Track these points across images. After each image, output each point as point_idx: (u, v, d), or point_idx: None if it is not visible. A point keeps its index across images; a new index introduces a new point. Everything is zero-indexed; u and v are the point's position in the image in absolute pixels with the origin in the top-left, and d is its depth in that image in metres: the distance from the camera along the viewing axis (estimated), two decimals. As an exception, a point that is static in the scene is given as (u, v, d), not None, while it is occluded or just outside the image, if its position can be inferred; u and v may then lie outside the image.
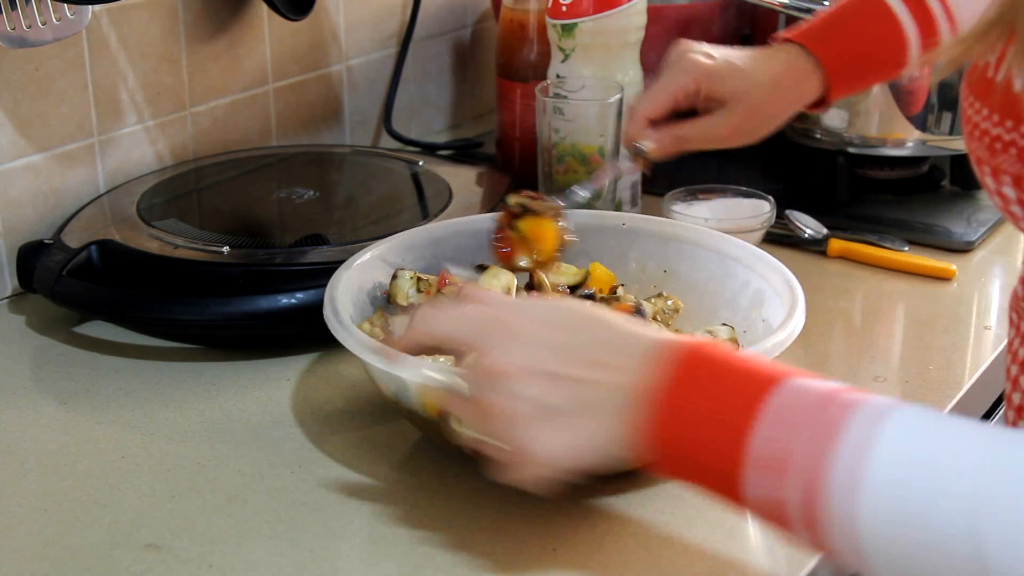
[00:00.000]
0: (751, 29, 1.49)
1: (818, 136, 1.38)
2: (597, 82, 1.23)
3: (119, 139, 1.27)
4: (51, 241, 1.14)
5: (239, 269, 1.08)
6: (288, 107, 1.43)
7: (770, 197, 1.23)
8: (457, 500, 0.88)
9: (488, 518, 0.86)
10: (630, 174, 1.12)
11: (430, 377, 0.78)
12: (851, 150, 1.36)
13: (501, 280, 0.95)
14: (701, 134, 1.00)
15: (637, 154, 1.01)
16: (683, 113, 1.02)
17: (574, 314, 0.73)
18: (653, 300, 1.01)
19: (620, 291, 1.02)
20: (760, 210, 1.22)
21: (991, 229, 1.29)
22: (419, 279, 1.00)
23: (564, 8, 1.23)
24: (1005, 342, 0.88)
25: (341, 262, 1.06)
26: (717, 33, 1.50)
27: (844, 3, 1.03)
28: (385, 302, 1.01)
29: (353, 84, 1.50)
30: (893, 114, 1.34)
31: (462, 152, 1.48)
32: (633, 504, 0.87)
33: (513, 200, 0.98)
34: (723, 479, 0.65)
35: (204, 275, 1.08)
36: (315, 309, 1.05)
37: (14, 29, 1.09)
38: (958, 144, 1.33)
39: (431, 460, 0.93)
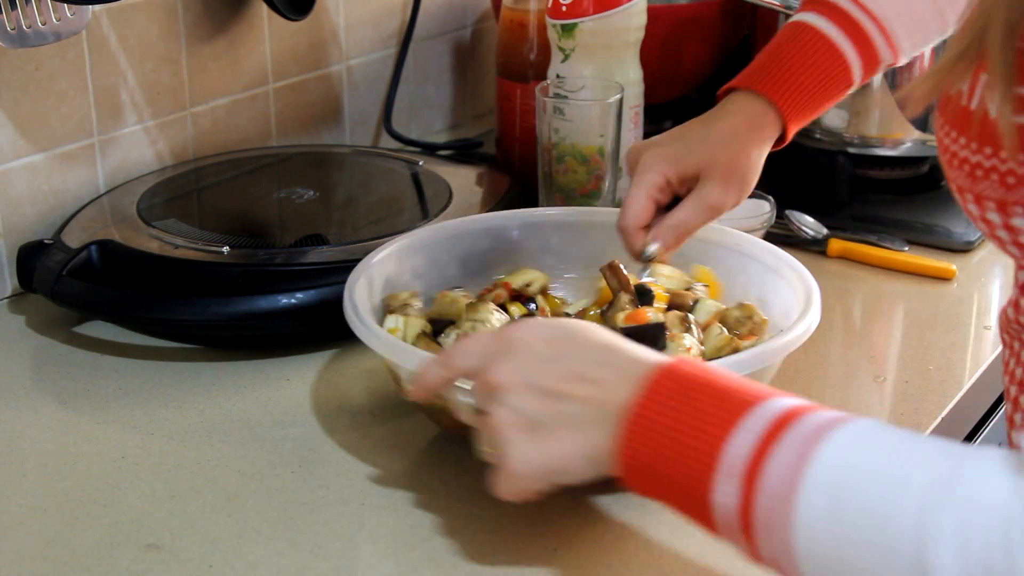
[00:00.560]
0: (751, 29, 1.49)
1: (818, 136, 1.38)
2: (597, 82, 1.23)
3: (119, 139, 1.27)
4: (51, 241, 1.14)
5: (239, 269, 1.08)
6: (288, 107, 1.43)
7: (770, 197, 1.23)
8: (457, 500, 0.88)
9: (488, 518, 0.86)
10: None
11: (458, 402, 0.81)
12: (851, 150, 1.36)
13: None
14: (694, 214, 1.01)
15: (649, 261, 1.02)
16: (671, 205, 1.03)
17: (571, 331, 0.76)
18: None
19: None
20: (760, 210, 1.22)
21: (991, 229, 1.29)
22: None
23: (564, 8, 1.23)
24: (1000, 348, 0.88)
25: (341, 262, 1.06)
26: (717, 33, 1.50)
27: (779, 39, 1.04)
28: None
29: (353, 84, 1.50)
30: (893, 114, 1.34)
31: (462, 152, 1.48)
32: (633, 504, 0.87)
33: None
34: (691, 492, 0.67)
35: (204, 275, 1.08)
36: (315, 309, 1.05)
37: (14, 29, 1.09)
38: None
39: (431, 460, 0.93)
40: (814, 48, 1.02)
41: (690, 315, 0.97)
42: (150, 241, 1.13)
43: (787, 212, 1.27)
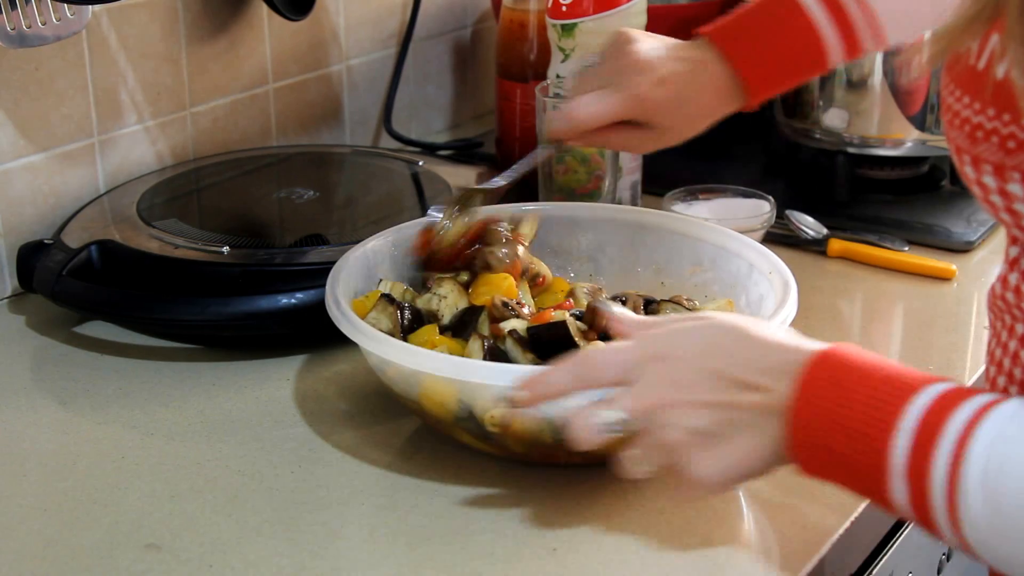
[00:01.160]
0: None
1: (818, 136, 1.38)
2: (597, 82, 1.23)
3: (119, 139, 1.27)
4: (51, 241, 1.14)
5: (239, 269, 1.08)
6: (288, 107, 1.43)
7: (770, 197, 1.24)
8: (457, 500, 0.88)
9: (488, 518, 0.86)
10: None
11: (603, 421, 0.77)
12: (851, 150, 1.36)
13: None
14: (636, 139, 1.02)
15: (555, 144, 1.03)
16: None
17: (723, 335, 0.75)
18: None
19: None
20: (760, 210, 1.22)
21: (991, 229, 1.29)
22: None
23: (564, 8, 1.23)
24: None
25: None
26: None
27: (759, 4, 1.03)
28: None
29: (353, 84, 1.50)
30: (893, 114, 1.34)
31: (462, 152, 1.48)
32: (633, 504, 0.87)
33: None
34: (870, 485, 0.69)
35: (204, 275, 1.08)
36: (315, 309, 1.05)
37: (14, 29, 1.09)
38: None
39: (432, 460, 0.93)
40: (794, 27, 1.00)
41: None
42: (150, 241, 1.13)
43: (787, 212, 1.27)
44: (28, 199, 1.19)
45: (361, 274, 1.02)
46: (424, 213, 1.24)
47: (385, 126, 1.52)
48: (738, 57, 1.01)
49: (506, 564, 0.82)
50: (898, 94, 1.32)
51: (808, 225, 1.27)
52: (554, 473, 0.89)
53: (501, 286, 0.98)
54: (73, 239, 1.13)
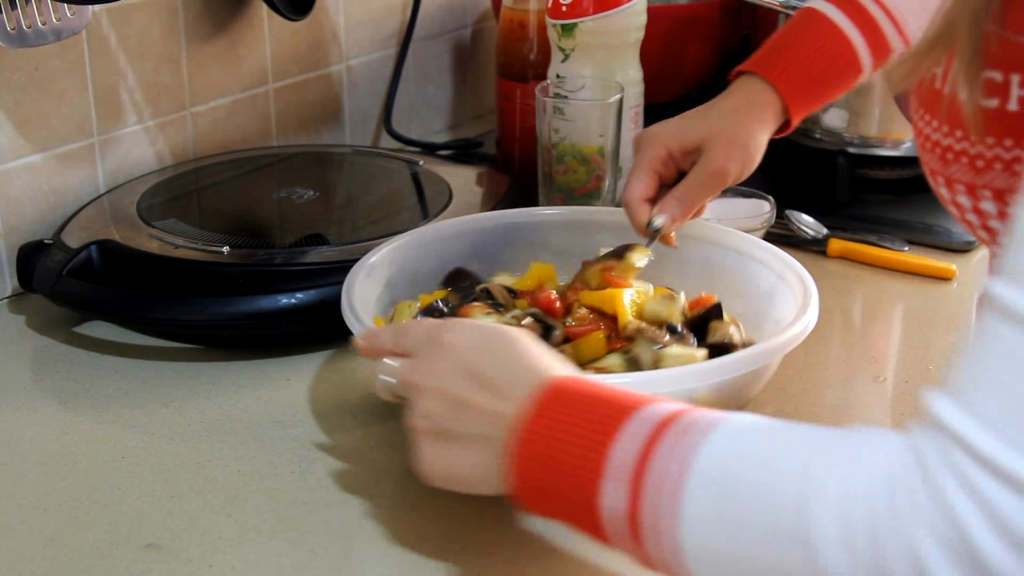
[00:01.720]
0: (751, 29, 1.50)
1: (818, 136, 1.38)
2: (597, 82, 1.23)
3: (119, 139, 1.27)
4: (51, 241, 1.14)
5: (239, 269, 1.08)
6: (288, 107, 1.43)
7: (770, 197, 1.24)
8: (457, 500, 0.88)
9: (488, 518, 0.86)
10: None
11: (384, 369, 0.82)
12: (851, 150, 1.36)
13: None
14: (698, 182, 1.01)
15: (656, 235, 1.02)
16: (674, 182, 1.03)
17: (501, 340, 0.76)
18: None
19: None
20: (760, 210, 1.22)
21: (991, 229, 1.29)
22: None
23: (564, 8, 1.23)
24: None
25: (341, 262, 1.06)
26: (717, 33, 1.50)
27: (788, 25, 1.06)
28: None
29: (353, 84, 1.50)
30: (893, 114, 1.34)
31: (462, 152, 1.48)
32: (633, 504, 0.87)
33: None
34: (580, 500, 0.68)
35: (204, 275, 1.08)
36: (315, 309, 1.05)
37: (14, 29, 1.09)
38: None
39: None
40: (820, 35, 1.03)
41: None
42: (150, 241, 1.13)
43: (787, 212, 1.27)
44: (28, 199, 1.19)
45: (373, 283, 1.02)
46: (424, 213, 1.24)
47: (385, 126, 1.52)
48: (771, 72, 1.02)
49: (506, 564, 0.82)
50: (898, 94, 1.32)
51: (808, 225, 1.27)
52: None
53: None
54: (73, 239, 1.13)
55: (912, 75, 0.74)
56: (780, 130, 1.06)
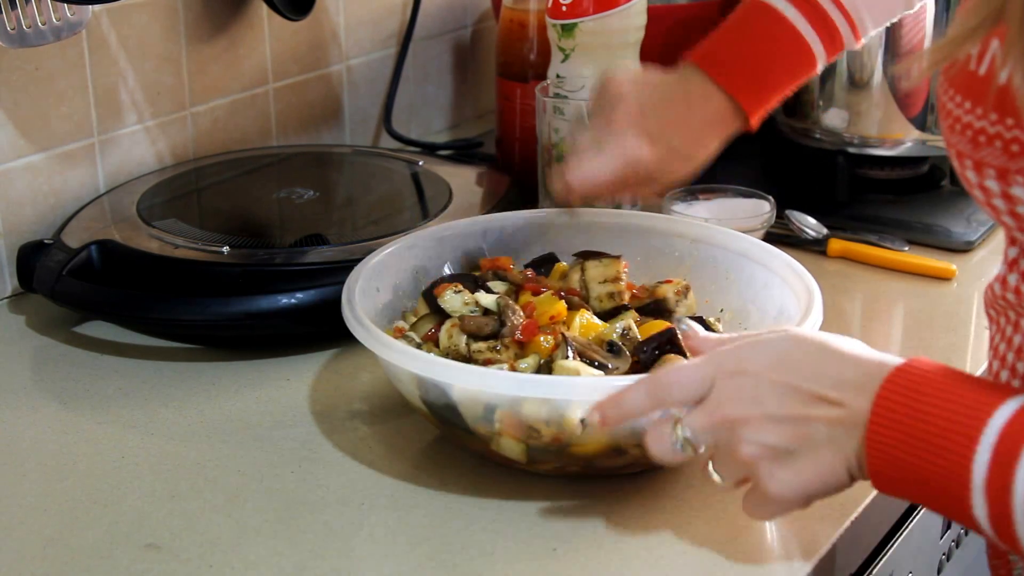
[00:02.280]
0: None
1: (818, 136, 1.38)
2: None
3: (119, 139, 1.27)
4: (51, 241, 1.14)
5: (239, 269, 1.08)
6: (288, 107, 1.43)
7: (770, 197, 1.23)
8: (457, 500, 0.88)
9: (488, 518, 0.86)
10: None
11: (677, 439, 0.78)
12: (851, 150, 1.36)
13: None
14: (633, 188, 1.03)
15: (567, 213, 1.04)
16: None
17: (794, 349, 0.75)
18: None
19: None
20: (760, 210, 1.22)
21: (991, 229, 1.29)
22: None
23: (564, 8, 1.23)
24: None
25: (341, 262, 1.06)
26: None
27: (739, 17, 1.03)
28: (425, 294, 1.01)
29: (353, 84, 1.50)
30: (893, 114, 1.34)
31: (462, 152, 1.48)
32: (633, 504, 0.87)
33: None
34: (948, 501, 0.68)
35: (204, 275, 1.08)
36: (315, 309, 1.05)
37: (14, 29, 1.09)
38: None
39: (431, 460, 0.93)
40: (778, 37, 1.00)
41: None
42: (150, 241, 1.13)
43: (787, 212, 1.27)
44: (28, 199, 1.19)
45: (373, 283, 1.01)
46: (424, 213, 1.24)
47: (385, 126, 1.52)
48: (732, 83, 1.00)
49: (506, 564, 0.82)
50: (898, 94, 1.32)
51: (808, 225, 1.27)
52: (554, 473, 0.89)
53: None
54: (73, 239, 1.13)
55: (949, 59, 0.73)
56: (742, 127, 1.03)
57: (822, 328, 1.11)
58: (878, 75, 1.32)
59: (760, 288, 1.01)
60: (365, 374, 1.04)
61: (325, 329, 1.06)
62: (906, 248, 1.25)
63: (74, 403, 1.01)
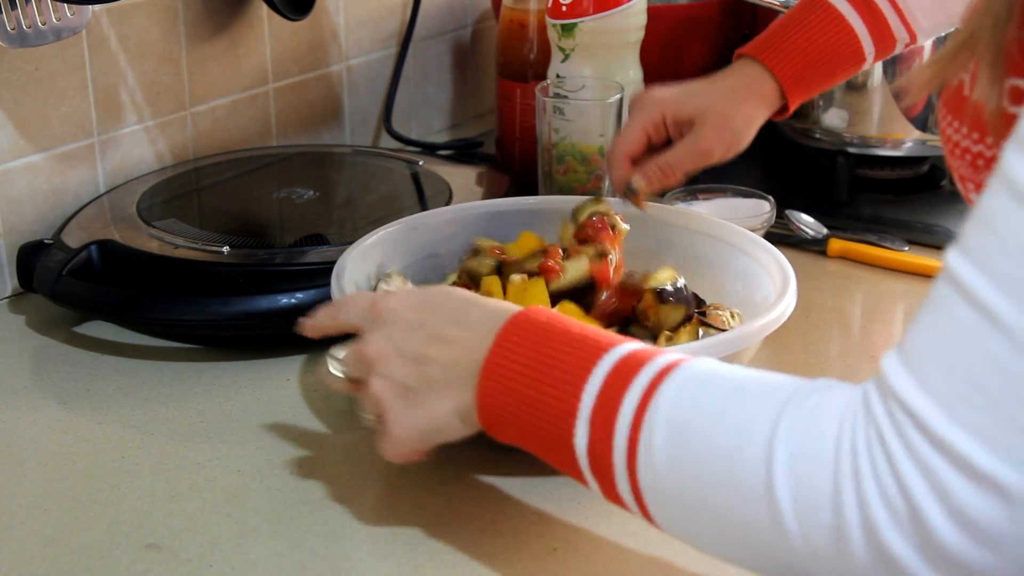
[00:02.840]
0: (751, 29, 1.49)
1: (818, 136, 1.38)
2: (597, 82, 1.23)
3: (119, 139, 1.27)
4: (51, 241, 1.14)
5: (239, 269, 1.08)
6: (288, 107, 1.43)
7: (770, 197, 1.24)
8: (457, 500, 0.88)
9: (488, 518, 0.86)
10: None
11: (330, 361, 0.84)
12: (851, 150, 1.36)
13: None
14: (683, 156, 1.04)
15: (630, 194, 1.05)
16: (661, 147, 1.06)
17: (434, 296, 0.79)
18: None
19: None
20: (760, 210, 1.22)
21: (991, 229, 1.29)
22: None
23: (564, 8, 1.23)
24: None
25: (341, 262, 1.06)
26: (717, 33, 1.50)
27: (793, 12, 1.08)
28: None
29: (353, 84, 1.50)
30: (893, 114, 1.34)
31: (462, 152, 1.48)
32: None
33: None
34: (553, 435, 0.70)
35: (204, 275, 1.08)
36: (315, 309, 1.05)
37: (14, 29, 1.09)
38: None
39: (431, 461, 0.93)
40: (824, 24, 1.05)
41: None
42: (150, 241, 1.13)
43: (787, 212, 1.27)
44: (28, 199, 1.19)
45: (364, 270, 1.02)
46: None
47: (385, 126, 1.52)
48: (778, 65, 1.04)
49: (506, 564, 0.82)
50: (899, 95, 1.33)
51: (808, 225, 1.27)
52: (554, 472, 0.89)
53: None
54: (73, 239, 1.13)
55: (936, 81, 0.73)
56: (778, 113, 1.08)
57: (822, 328, 1.12)
58: (878, 75, 1.32)
59: (739, 273, 1.03)
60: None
61: (325, 329, 1.06)
62: (906, 248, 1.25)
63: (74, 403, 1.01)
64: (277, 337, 1.08)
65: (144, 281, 1.09)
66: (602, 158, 1.20)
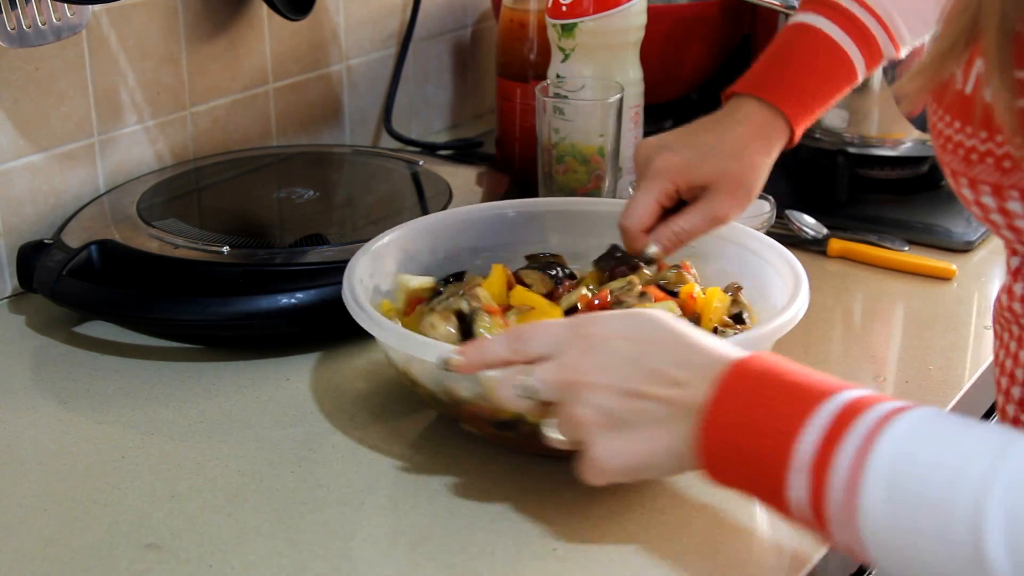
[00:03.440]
0: (751, 29, 1.50)
1: (818, 136, 1.38)
2: (597, 82, 1.23)
3: (119, 139, 1.27)
4: (51, 241, 1.14)
5: (239, 269, 1.08)
6: (288, 107, 1.43)
7: (770, 197, 1.23)
8: (456, 501, 0.88)
9: (488, 518, 0.86)
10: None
11: (519, 385, 0.79)
12: (851, 150, 1.36)
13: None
14: (699, 222, 1.01)
15: (649, 262, 1.03)
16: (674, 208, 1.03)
17: (650, 328, 0.76)
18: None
19: None
20: (760, 210, 1.22)
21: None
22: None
23: (564, 8, 1.23)
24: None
25: (341, 262, 1.06)
26: (717, 33, 1.50)
27: (781, 41, 1.05)
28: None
29: (353, 84, 1.50)
30: (893, 114, 1.34)
31: (462, 152, 1.48)
32: (633, 504, 0.87)
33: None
34: (769, 483, 0.69)
35: (204, 275, 1.08)
36: (315, 309, 1.05)
37: (14, 29, 1.09)
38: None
39: (431, 461, 0.93)
40: (817, 50, 1.03)
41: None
42: (150, 241, 1.13)
43: (787, 212, 1.27)
44: (28, 199, 1.19)
45: (372, 271, 1.02)
46: (424, 213, 1.24)
47: (385, 126, 1.52)
48: (774, 95, 1.01)
49: (506, 564, 0.82)
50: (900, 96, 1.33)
51: (808, 225, 1.27)
52: (554, 473, 0.89)
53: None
54: (73, 239, 1.13)
55: (930, 85, 0.73)
56: (785, 146, 1.05)
57: (822, 328, 1.12)
58: (878, 75, 1.32)
59: (751, 276, 1.03)
60: (365, 374, 1.04)
61: (325, 329, 1.06)
62: (906, 248, 1.25)
63: (74, 403, 1.01)
64: (277, 337, 1.08)
65: (144, 281, 1.09)
66: (602, 158, 1.20)
